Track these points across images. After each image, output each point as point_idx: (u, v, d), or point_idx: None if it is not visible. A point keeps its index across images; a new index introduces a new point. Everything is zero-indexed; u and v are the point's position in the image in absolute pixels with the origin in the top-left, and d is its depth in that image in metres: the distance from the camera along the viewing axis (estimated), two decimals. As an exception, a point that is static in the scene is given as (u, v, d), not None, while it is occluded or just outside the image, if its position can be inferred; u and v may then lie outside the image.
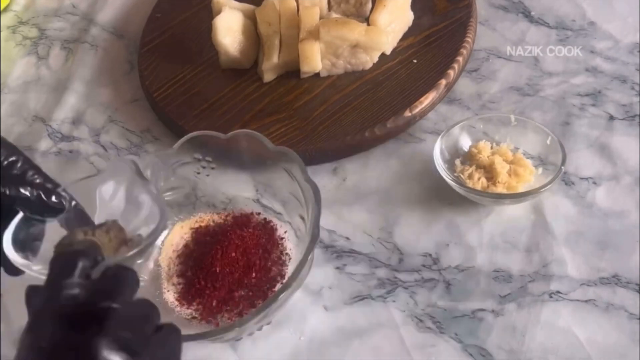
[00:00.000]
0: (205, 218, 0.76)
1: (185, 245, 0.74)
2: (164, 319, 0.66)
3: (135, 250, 0.56)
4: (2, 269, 0.58)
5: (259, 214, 0.75)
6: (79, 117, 0.94)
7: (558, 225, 0.70)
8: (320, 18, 0.86)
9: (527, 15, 0.90)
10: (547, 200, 0.72)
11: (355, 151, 0.81)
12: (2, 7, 1.12)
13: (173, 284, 0.71)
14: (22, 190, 0.56)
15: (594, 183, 0.73)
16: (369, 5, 0.88)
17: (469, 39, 0.86)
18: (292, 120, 0.83)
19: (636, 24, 0.85)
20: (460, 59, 0.84)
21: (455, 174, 0.74)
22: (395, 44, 0.87)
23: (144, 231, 0.59)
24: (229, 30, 0.87)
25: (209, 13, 0.91)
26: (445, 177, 0.72)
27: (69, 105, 0.95)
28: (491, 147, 0.75)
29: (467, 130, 0.76)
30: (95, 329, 0.42)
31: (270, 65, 0.86)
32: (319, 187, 0.65)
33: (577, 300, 0.65)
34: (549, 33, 0.87)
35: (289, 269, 0.70)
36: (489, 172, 0.72)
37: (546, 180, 0.70)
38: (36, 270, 0.56)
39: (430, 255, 0.71)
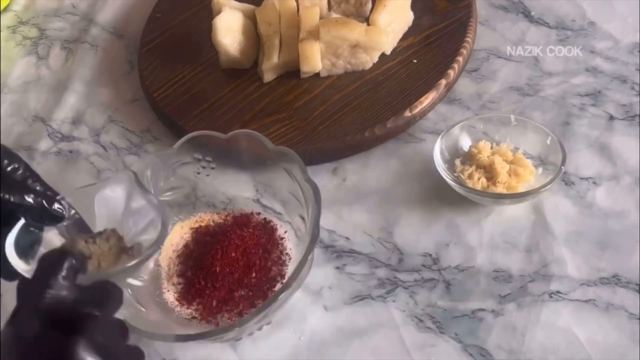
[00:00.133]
0: (205, 218, 0.76)
1: (185, 245, 0.74)
2: (164, 318, 0.67)
3: (136, 261, 0.57)
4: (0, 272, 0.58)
5: (259, 214, 0.75)
6: (79, 117, 0.94)
7: (558, 225, 0.70)
8: (320, 18, 0.86)
9: (527, 15, 0.90)
10: (547, 200, 0.72)
11: (355, 151, 0.81)
12: (2, 7, 1.12)
13: (173, 284, 0.71)
14: (26, 197, 0.56)
15: (594, 183, 0.73)
16: (369, 5, 0.88)
17: (469, 39, 0.86)
18: (292, 120, 0.83)
19: (636, 24, 0.85)
20: (460, 59, 0.84)
21: (455, 174, 0.74)
22: (395, 44, 0.87)
23: (144, 239, 0.59)
24: (229, 30, 0.87)
25: (209, 13, 0.91)
26: (445, 177, 0.72)
27: (69, 105, 0.95)
28: (491, 147, 0.75)
29: (467, 130, 0.76)
30: (75, 330, 0.44)
31: (270, 65, 0.86)
32: (319, 187, 0.65)
33: (577, 300, 0.65)
34: (549, 33, 0.87)
35: (289, 269, 0.70)
36: (489, 172, 0.72)
37: (546, 180, 0.70)
38: None
39: (430, 255, 0.71)
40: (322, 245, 0.73)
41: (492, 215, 0.72)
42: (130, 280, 0.68)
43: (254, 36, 0.90)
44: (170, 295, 0.71)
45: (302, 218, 0.70)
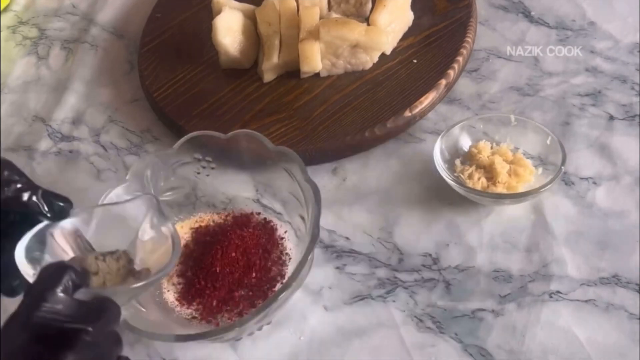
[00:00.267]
0: (205, 218, 0.76)
1: (185, 245, 0.74)
2: (164, 318, 0.67)
3: (142, 283, 0.57)
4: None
5: (259, 214, 0.75)
6: (79, 117, 0.94)
7: (558, 225, 0.70)
8: (320, 18, 0.86)
9: (527, 15, 0.90)
10: (547, 200, 0.72)
11: (355, 151, 0.81)
12: (2, 7, 1.12)
13: (173, 284, 0.71)
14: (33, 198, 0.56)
15: (594, 183, 0.73)
16: (369, 5, 0.88)
17: (469, 39, 0.86)
18: (292, 120, 0.83)
19: (636, 24, 0.85)
20: (460, 59, 0.84)
21: (455, 174, 0.74)
22: (395, 44, 0.87)
23: (153, 264, 0.60)
24: (229, 30, 0.87)
25: (209, 13, 0.91)
26: (445, 177, 0.72)
27: (69, 105, 0.95)
28: (491, 147, 0.75)
29: (467, 130, 0.76)
30: (64, 347, 0.43)
31: (270, 65, 0.86)
32: (319, 187, 0.65)
33: (577, 300, 0.65)
34: (549, 33, 0.87)
35: (289, 269, 0.70)
36: (489, 172, 0.72)
37: (546, 180, 0.70)
38: None
39: (430, 255, 0.71)
40: (322, 245, 0.73)
41: (492, 215, 0.72)
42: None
43: (254, 36, 0.90)
44: (170, 295, 0.71)
45: (302, 218, 0.70)
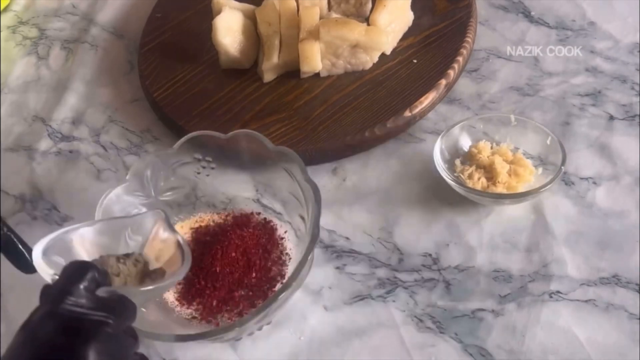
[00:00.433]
0: (205, 218, 0.76)
1: (185, 245, 0.74)
2: (164, 318, 0.67)
3: (157, 286, 0.59)
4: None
5: (259, 214, 0.75)
6: (79, 117, 0.94)
7: (558, 225, 0.70)
8: (320, 18, 0.86)
9: (527, 15, 0.90)
10: (547, 200, 0.72)
11: (355, 151, 0.81)
12: (2, 7, 1.12)
13: (173, 284, 0.71)
14: None
15: (594, 183, 0.73)
16: (369, 5, 0.88)
17: (469, 39, 0.86)
18: (292, 120, 0.83)
19: (636, 24, 0.86)
20: (460, 59, 0.84)
21: (455, 174, 0.74)
22: (395, 44, 0.87)
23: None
24: (229, 30, 0.87)
25: (209, 13, 0.91)
26: (445, 177, 0.72)
27: (69, 105, 0.95)
28: (491, 147, 0.75)
29: (467, 130, 0.76)
30: (87, 337, 0.46)
31: (270, 65, 0.86)
32: (319, 187, 0.65)
33: (577, 300, 0.65)
34: (549, 33, 0.87)
35: (289, 269, 0.70)
36: (489, 172, 0.72)
37: (546, 180, 0.70)
38: None
39: (430, 255, 0.71)
40: (322, 245, 0.73)
41: (492, 215, 0.72)
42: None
43: (254, 36, 0.90)
44: (170, 295, 0.71)
45: (302, 218, 0.70)
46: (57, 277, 0.52)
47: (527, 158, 0.74)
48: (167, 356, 0.68)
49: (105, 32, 1.05)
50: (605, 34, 0.86)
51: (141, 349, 0.67)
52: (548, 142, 0.73)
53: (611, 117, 0.78)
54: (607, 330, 0.63)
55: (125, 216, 0.69)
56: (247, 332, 0.66)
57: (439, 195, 0.75)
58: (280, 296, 0.60)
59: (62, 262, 0.55)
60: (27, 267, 0.63)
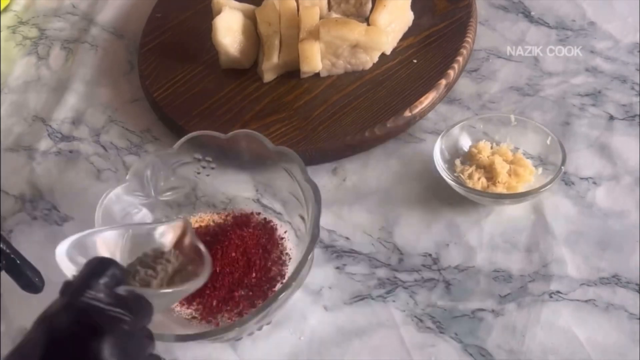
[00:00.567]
0: (205, 218, 0.76)
1: (185, 245, 0.74)
2: (164, 318, 0.67)
3: (175, 290, 0.59)
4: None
5: (259, 214, 0.75)
6: (79, 117, 0.94)
7: (558, 225, 0.70)
8: (320, 18, 0.86)
9: (527, 15, 0.90)
10: (547, 200, 0.72)
11: (355, 151, 0.81)
12: (2, 7, 1.12)
13: (173, 284, 0.71)
14: None
15: (594, 183, 0.73)
16: (369, 5, 0.88)
17: (469, 39, 0.86)
18: (292, 120, 0.83)
19: (636, 24, 0.85)
20: (460, 59, 0.84)
21: (455, 174, 0.74)
22: (395, 44, 0.88)
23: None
24: (229, 30, 0.87)
25: (209, 13, 0.91)
26: (445, 177, 0.72)
27: (69, 105, 0.95)
28: (491, 147, 0.75)
29: (467, 130, 0.76)
30: (103, 331, 0.46)
31: (270, 65, 0.86)
32: (319, 187, 0.65)
33: (577, 300, 0.65)
34: (549, 33, 0.87)
35: (289, 269, 0.70)
36: (489, 172, 0.72)
37: (546, 180, 0.70)
38: None
39: (430, 255, 0.71)
40: (322, 245, 0.73)
41: (492, 215, 0.72)
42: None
43: (254, 36, 0.90)
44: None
45: (302, 218, 0.70)
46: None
47: (527, 158, 0.74)
48: (167, 356, 0.68)
49: (105, 32, 1.05)
50: (605, 34, 0.86)
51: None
52: (548, 142, 0.73)
53: (611, 117, 0.78)
54: (607, 330, 0.63)
55: (151, 223, 0.70)
56: (247, 332, 0.66)
57: (439, 195, 0.75)
58: (280, 296, 0.60)
59: (84, 262, 0.55)
60: (30, 286, 0.64)
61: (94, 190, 0.83)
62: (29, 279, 0.64)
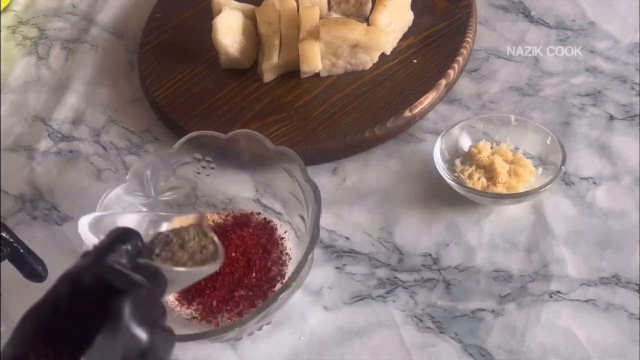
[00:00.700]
0: (205, 218, 0.76)
1: (185, 245, 0.74)
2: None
3: (190, 269, 0.59)
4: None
5: (259, 214, 0.75)
6: (79, 117, 0.94)
7: (558, 225, 0.70)
8: (320, 18, 0.86)
9: (527, 15, 0.90)
10: (547, 200, 0.72)
11: (355, 151, 0.81)
12: (2, 7, 1.12)
13: (173, 284, 0.71)
14: None
15: (594, 183, 0.73)
16: (369, 5, 0.88)
17: (469, 39, 0.86)
18: (292, 120, 0.83)
19: (636, 24, 0.86)
20: (460, 59, 0.84)
21: (455, 174, 0.74)
22: (395, 44, 0.87)
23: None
24: (229, 30, 0.87)
25: (209, 13, 0.91)
26: (445, 177, 0.72)
27: (69, 105, 0.95)
28: (491, 147, 0.75)
29: (467, 130, 0.76)
30: (124, 291, 0.47)
31: (270, 65, 0.86)
32: (319, 187, 0.65)
33: (577, 300, 0.65)
34: (549, 33, 0.87)
35: (289, 269, 0.70)
36: (489, 172, 0.72)
37: (546, 180, 0.70)
38: None
39: (430, 255, 0.71)
40: (322, 245, 0.73)
41: (492, 215, 0.72)
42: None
43: (254, 36, 0.90)
44: (170, 295, 0.71)
45: (302, 218, 0.70)
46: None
47: (527, 158, 0.74)
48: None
49: (105, 32, 1.05)
50: (605, 34, 0.86)
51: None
52: (548, 142, 0.73)
53: (611, 117, 0.78)
54: (607, 330, 0.63)
55: (168, 213, 0.70)
56: (247, 332, 0.66)
57: (439, 195, 0.75)
58: (280, 296, 0.60)
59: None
60: (33, 275, 0.65)
61: (94, 190, 0.83)
62: (32, 267, 0.65)
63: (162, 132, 0.89)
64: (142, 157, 0.86)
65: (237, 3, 0.92)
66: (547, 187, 0.69)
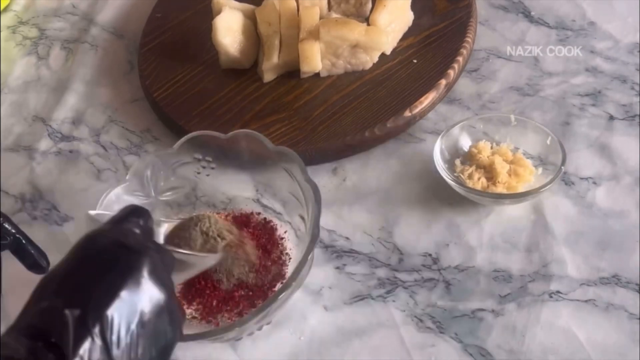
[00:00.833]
0: (205, 218, 0.76)
1: (185, 245, 0.74)
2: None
3: (191, 253, 0.61)
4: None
5: (259, 214, 0.75)
6: (79, 117, 0.94)
7: (558, 225, 0.70)
8: (320, 18, 0.86)
9: (527, 15, 0.90)
10: (547, 200, 0.72)
11: (355, 151, 0.81)
12: (2, 7, 1.12)
13: (173, 284, 0.71)
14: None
15: (594, 183, 0.73)
16: (369, 5, 0.88)
17: (469, 39, 0.86)
18: (292, 120, 0.83)
19: (636, 24, 0.86)
20: (460, 59, 0.84)
21: (455, 174, 0.74)
22: (395, 44, 0.87)
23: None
24: (229, 30, 0.87)
25: (209, 13, 0.91)
26: (445, 177, 0.72)
27: (69, 105, 0.95)
28: (491, 147, 0.75)
29: (467, 130, 0.76)
30: (142, 252, 0.48)
31: (270, 65, 0.86)
32: (319, 187, 0.65)
33: (577, 300, 0.65)
34: (549, 33, 0.87)
35: (289, 269, 0.70)
36: (489, 172, 0.72)
37: (546, 180, 0.70)
38: None
39: (430, 255, 0.71)
40: (322, 245, 0.73)
41: (492, 215, 0.72)
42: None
43: (254, 36, 0.90)
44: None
45: (302, 218, 0.70)
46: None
47: (527, 158, 0.74)
48: (167, 356, 0.68)
49: (105, 32, 1.05)
50: (605, 34, 0.86)
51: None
52: (548, 142, 0.73)
53: (611, 117, 0.78)
54: (607, 330, 0.63)
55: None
56: (247, 332, 0.66)
57: (439, 195, 0.75)
58: (280, 296, 0.60)
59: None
60: (35, 266, 0.65)
61: (94, 190, 0.83)
62: (34, 258, 0.65)
63: (162, 132, 0.89)
64: (142, 157, 0.86)
65: (237, 3, 0.92)
66: (547, 187, 0.69)
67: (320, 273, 0.71)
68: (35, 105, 0.97)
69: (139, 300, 0.46)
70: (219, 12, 0.88)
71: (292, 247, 0.72)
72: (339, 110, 0.82)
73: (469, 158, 0.75)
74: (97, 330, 0.43)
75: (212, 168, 0.75)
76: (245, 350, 0.68)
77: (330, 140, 0.80)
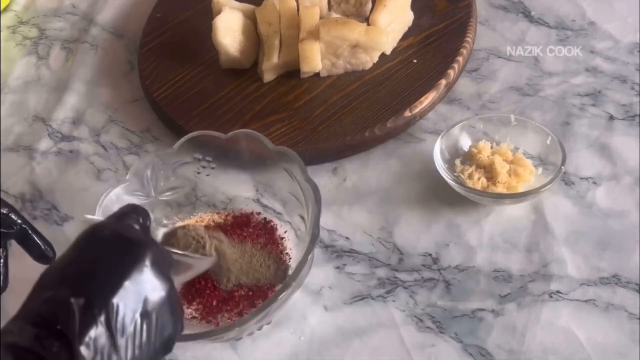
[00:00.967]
0: (205, 218, 0.76)
1: (185, 245, 0.74)
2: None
3: (185, 253, 0.61)
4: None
5: (259, 213, 0.75)
6: (79, 117, 0.94)
7: (558, 225, 0.70)
8: (320, 18, 0.86)
9: (527, 15, 0.90)
10: (547, 200, 0.72)
11: (355, 151, 0.81)
12: (2, 7, 1.12)
13: (173, 284, 0.71)
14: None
15: (594, 183, 0.73)
16: (369, 5, 0.89)
17: (469, 39, 0.86)
18: (292, 120, 0.83)
19: (636, 24, 0.86)
20: (460, 59, 0.84)
21: (455, 174, 0.74)
22: (395, 44, 0.87)
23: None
24: (229, 30, 0.87)
25: (209, 13, 0.91)
26: (445, 177, 0.72)
27: (69, 105, 0.95)
28: (491, 147, 0.75)
29: (467, 130, 0.76)
30: (144, 244, 0.49)
31: (270, 65, 0.86)
32: (319, 187, 0.65)
33: (577, 300, 0.65)
34: (549, 33, 0.87)
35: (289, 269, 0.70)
36: (489, 172, 0.72)
37: (546, 180, 0.70)
38: None
39: (430, 255, 0.71)
40: (322, 245, 0.73)
41: (492, 215, 0.72)
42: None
43: (254, 36, 0.90)
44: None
45: (302, 218, 0.70)
46: None
47: (527, 158, 0.74)
48: (167, 356, 0.68)
49: (105, 32, 1.05)
50: (605, 34, 0.86)
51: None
52: (548, 142, 0.73)
53: (611, 117, 0.78)
54: (607, 330, 0.63)
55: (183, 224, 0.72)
56: (247, 332, 0.66)
57: (439, 195, 0.75)
58: (280, 296, 0.60)
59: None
60: (41, 257, 0.65)
61: (94, 190, 0.83)
62: (40, 249, 0.65)
63: (162, 132, 0.89)
64: (142, 157, 0.86)
65: (237, 3, 0.92)
66: (547, 187, 0.69)
67: (320, 273, 0.71)
68: (35, 105, 0.97)
69: (142, 290, 0.46)
70: (219, 12, 0.88)
71: (292, 247, 0.72)
72: (339, 110, 0.82)
73: (469, 158, 0.75)
74: (102, 318, 0.44)
75: (212, 168, 0.75)
76: (245, 350, 0.68)
77: (330, 140, 0.80)
